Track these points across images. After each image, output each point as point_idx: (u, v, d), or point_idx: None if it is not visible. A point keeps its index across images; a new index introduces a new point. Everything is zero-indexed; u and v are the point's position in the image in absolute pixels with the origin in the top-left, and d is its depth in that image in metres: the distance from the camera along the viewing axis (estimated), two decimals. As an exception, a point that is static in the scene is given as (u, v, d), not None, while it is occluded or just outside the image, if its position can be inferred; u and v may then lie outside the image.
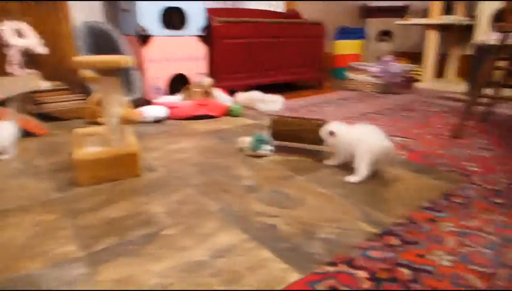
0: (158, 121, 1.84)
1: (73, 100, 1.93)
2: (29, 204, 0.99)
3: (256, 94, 2.17)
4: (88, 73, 1.16)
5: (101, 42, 2.08)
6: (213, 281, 0.72)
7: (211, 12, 2.38)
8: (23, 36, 1.71)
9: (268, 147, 1.37)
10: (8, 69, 1.67)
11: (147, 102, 2.18)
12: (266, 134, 1.40)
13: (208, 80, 2.00)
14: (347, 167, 1.22)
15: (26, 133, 1.55)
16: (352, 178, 1.16)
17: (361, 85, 2.90)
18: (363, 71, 2.88)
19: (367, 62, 3.16)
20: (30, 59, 1.78)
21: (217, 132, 1.66)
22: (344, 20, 3.76)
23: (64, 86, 1.91)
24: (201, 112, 1.89)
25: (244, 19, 2.46)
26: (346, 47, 3.41)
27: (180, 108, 1.87)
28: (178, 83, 2.25)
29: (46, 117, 1.78)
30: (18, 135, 1.40)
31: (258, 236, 0.86)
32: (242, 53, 2.46)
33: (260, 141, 1.36)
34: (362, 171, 1.15)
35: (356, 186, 1.12)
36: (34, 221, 0.91)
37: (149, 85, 2.12)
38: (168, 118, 1.88)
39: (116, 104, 1.10)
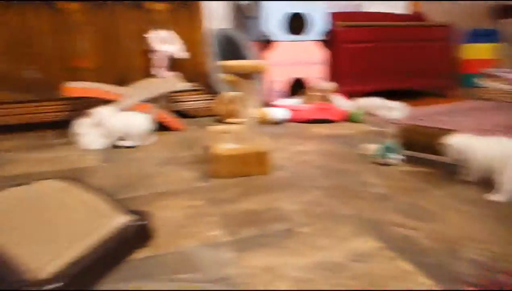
0: (278, 123, 1.91)
1: (204, 100, 2.12)
2: (178, 190, 1.12)
3: (377, 101, 2.10)
4: (227, 76, 1.26)
5: (229, 47, 2.25)
6: (353, 283, 0.72)
7: (333, 16, 2.38)
8: (169, 43, 1.94)
9: (396, 156, 1.32)
10: (154, 71, 1.91)
11: (267, 104, 2.28)
12: (393, 142, 1.35)
13: (330, 85, 2.00)
14: (485, 182, 1.11)
15: (165, 128, 1.75)
16: (496, 196, 1.05)
17: (497, 94, 2.59)
18: (499, 78, 2.57)
19: (503, 68, 2.81)
20: (172, 63, 2.01)
21: (339, 137, 1.66)
22: (472, 22, 3.40)
23: (197, 87, 2.12)
24: (322, 116, 1.91)
25: (366, 23, 2.41)
26: (478, 51, 3.08)
27: (301, 111, 1.92)
28: (296, 87, 2.31)
29: (180, 114, 1.99)
30: (151, 128, 1.59)
31: (396, 246, 0.84)
32: (363, 58, 2.41)
33: (387, 149, 1.31)
34: (508, 188, 1.03)
35: (502, 206, 1.01)
36: (184, 205, 1.03)
37: (269, 88, 2.22)
38: (288, 120, 1.94)
39: (252, 106, 1.18)
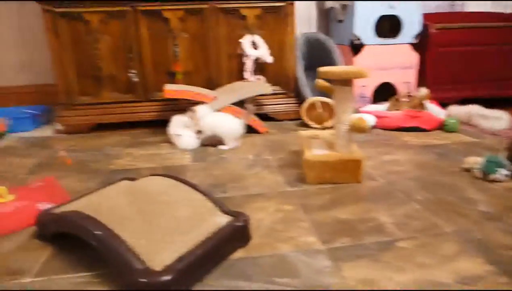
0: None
1: (287, 103, 2.14)
2: (269, 193, 1.15)
3: (475, 109, 1.94)
4: (321, 82, 1.26)
5: (315, 51, 2.24)
6: (462, 308, 0.67)
7: (427, 18, 2.25)
8: (257, 48, 1.99)
9: (504, 171, 1.20)
10: (245, 75, 1.97)
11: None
12: (499, 156, 1.23)
13: (423, 91, 1.89)
14: None
15: (250, 130, 1.80)
16: None
17: None
18: None
19: None
20: (258, 67, 2.06)
21: (433, 148, 1.56)
22: None
23: (281, 90, 2.14)
24: (412, 124, 1.81)
25: (462, 24, 2.23)
26: None
27: (390, 118, 1.84)
28: (384, 92, 2.22)
29: (263, 117, 2.03)
30: (243, 132, 1.64)
31: (509, 270, 0.76)
32: (459, 62, 2.24)
33: (494, 163, 1.20)
34: None
35: None
36: (276, 208, 1.05)
37: (355, 93, 2.16)
38: (374, 127, 1.87)
39: (348, 113, 1.16)
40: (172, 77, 2.03)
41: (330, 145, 1.26)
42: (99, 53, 1.95)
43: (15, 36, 2.35)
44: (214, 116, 1.63)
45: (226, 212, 0.89)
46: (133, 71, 1.99)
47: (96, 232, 0.75)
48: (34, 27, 2.32)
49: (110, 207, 0.83)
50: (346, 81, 1.14)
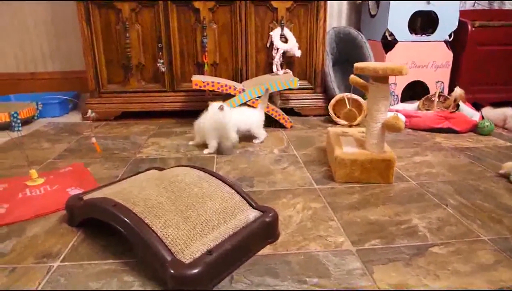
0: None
1: (313, 99, 2.11)
2: (297, 189, 1.12)
3: (510, 111, 1.85)
4: (356, 78, 1.22)
5: (345, 46, 2.19)
6: (502, 322, 0.64)
7: (464, 15, 2.16)
8: (286, 41, 1.96)
9: (544, 178, 1.14)
10: (274, 69, 1.95)
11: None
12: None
13: (458, 91, 1.82)
14: None
15: (275, 125, 1.78)
16: None
17: None
18: None
19: None
20: (286, 60, 2.03)
21: (466, 151, 1.50)
22: None
23: (308, 85, 2.11)
24: (444, 125, 1.75)
25: (504, 22, 2.13)
26: None
27: (421, 118, 1.78)
28: (414, 91, 2.15)
29: (288, 111, 2.00)
30: (262, 123, 1.60)
31: (554, 285, 0.72)
32: (497, 62, 2.14)
33: (534, 170, 1.14)
34: None
35: None
36: (304, 206, 1.02)
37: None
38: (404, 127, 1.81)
39: (383, 111, 1.12)
40: (199, 68, 2.03)
41: (360, 143, 1.23)
42: (129, 42, 1.96)
43: (47, 24, 2.39)
44: (240, 110, 1.61)
45: (255, 207, 0.88)
46: (162, 61, 1.99)
47: (126, 220, 0.74)
48: (67, 15, 2.36)
49: (141, 195, 0.83)
50: (383, 78, 1.10)
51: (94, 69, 2.00)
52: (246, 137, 1.59)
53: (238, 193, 0.90)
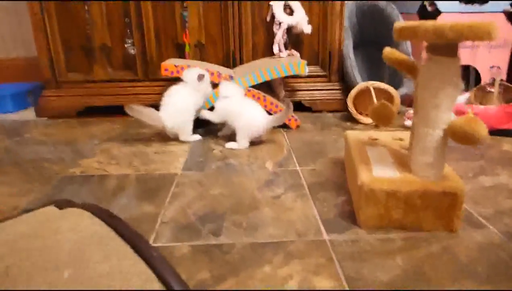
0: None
1: (328, 89, 1.62)
2: (291, 242, 0.66)
3: None
4: (395, 52, 0.74)
5: (370, 22, 1.69)
6: None
7: (529, -21, 1.62)
8: (292, 13, 1.48)
9: None
10: (274, 49, 1.47)
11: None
12: None
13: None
14: None
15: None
16: None
17: None
18: None
19: None
20: (292, 39, 1.55)
21: (557, 165, 1.00)
22: None
23: (321, 72, 1.62)
24: (509, 125, 1.24)
25: None
26: None
27: (480, 116, 1.27)
28: (465, 79, 1.64)
29: (295, 106, 1.52)
30: (267, 131, 1.17)
31: None
32: None
33: None
34: None
35: None
36: (300, 282, 0.56)
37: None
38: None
39: (447, 107, 0.64)
40: (180, 50, 1.57)
41: (399, 159, 0.75)
42: (89, 19, 1.52)
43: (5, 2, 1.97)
44: (235, 99, 1.17)
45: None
46: (130, 40, 1.54)
47: None
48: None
49: None
50: (449, 48, 0.61)
51: (47, 54, 1.57)
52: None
53: (159, 275, 0.44)
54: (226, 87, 1.19)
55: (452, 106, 0.64)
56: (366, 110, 1.45)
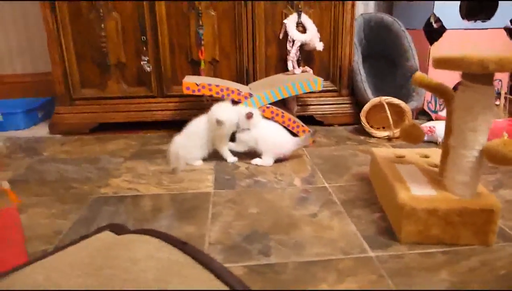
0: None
1: (339, 103, 1.67)
2: (340, 260, 0.69)
3: None
4: (426, 78, 0.78)
5: (377, 37, 1.75)
6: None
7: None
8: (304, 30, 1.53)
9: None
10: (289, 66, 1.51)
11: (424, 114, 1.73)
12: None
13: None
14: None
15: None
16: None
17: None
18: None
19: None
20: (304, 56, 1.60)
21: None
22: None
23: (332, 87, 1.67)
24: (518, 138, 1.30)
25: None
26: None
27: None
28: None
29: (306, 120, 1.56)
30: (290, 141, 1.21)
31: None
32: None
33: None
34: None
35: None
36: (355, 285, 0.59)
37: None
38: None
39: (483, 130, 0.68)
40: (195, 67, 1.60)
41: (430, 177, 0.80)
42: (105, 35, 1.54)
43: (13, 17, 1.97)
44: (263, 127, 1.19)
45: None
46: (146, 58, 1.57)
47: None
48: (35, 5, 1.94)
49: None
50: (485, 77, 0.66)
51: (62, 69, 1.58)
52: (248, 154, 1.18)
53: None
54: (257, 113, 1.19)
55: (488, 129, 0.69)
56: (377, 124, 1.50)
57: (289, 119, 1.37)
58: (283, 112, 1.35)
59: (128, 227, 0.68)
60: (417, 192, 0.74)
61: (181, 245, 0.55)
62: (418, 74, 0.79)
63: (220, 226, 0.81)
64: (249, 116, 1.15)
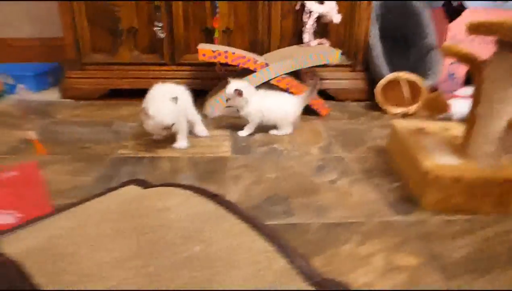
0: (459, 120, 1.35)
1: (353, 79, 1.66)
2: (363, 223, 0.69)
3: None
4: (455, 46, 0.77)
5: (394, 15, 1.72)
6: None
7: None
8: (322, 2, 1.50)
9: None
10: (305, 38, 1.49)
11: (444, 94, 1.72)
12: None
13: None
14: None
15: (308, 111, 1.33)
16: None
17: None
18: None
19: None
20: (319, 29, 1.57)
21: None
22: None
23: (346, 62, 1.65)
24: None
25: None
26: None
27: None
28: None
29: (319, 94, 1.55)
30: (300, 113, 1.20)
31: None
32: None
33: None
34: None
35: None
36: (387, 259, 0.60)
37: (447, 72, 1.65)
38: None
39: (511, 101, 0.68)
40: (208, 36, 1.57)
41: (454, 148, 0.79)
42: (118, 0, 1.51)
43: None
44: (263, 98, 1.16)
45: (316, 282, 0.45)
46: (160, 24, 1.54)
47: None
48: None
49: (90, 263, 0.41)
50: (517, 45, 0.65)
51: (73, 34, 1.55)
52: (263, 126, 1.17)
53: (279, 250, 0.48)
54: (249, 89, 1.14)
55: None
56: (391, 101, 1.49)
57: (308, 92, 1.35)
58: (298, 83, 1.34)
59: (152, 183, 0.69)
60: (441, 161, 0.74)
61: (211, 196, 0.56)
62: (447, 44, 0.78)
63: (241, 188, 0.82)
64: (239, 93, 1.10)
